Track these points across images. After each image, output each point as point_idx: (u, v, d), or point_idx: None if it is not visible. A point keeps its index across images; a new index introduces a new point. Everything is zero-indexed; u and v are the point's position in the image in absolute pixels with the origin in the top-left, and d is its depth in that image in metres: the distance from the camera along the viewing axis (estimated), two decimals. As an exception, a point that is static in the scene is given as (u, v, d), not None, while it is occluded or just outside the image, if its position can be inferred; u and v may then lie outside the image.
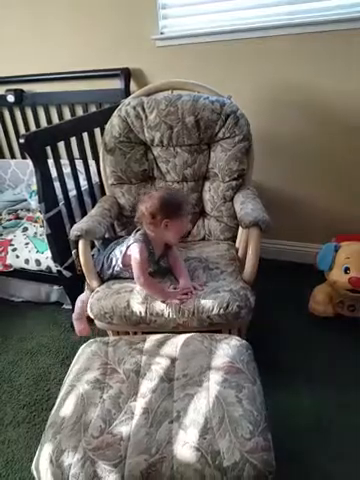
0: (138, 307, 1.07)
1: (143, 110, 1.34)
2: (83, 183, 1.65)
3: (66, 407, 0.80)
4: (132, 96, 1.44)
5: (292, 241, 1.91)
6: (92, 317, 1.17)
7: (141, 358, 0.90)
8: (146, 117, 1.34)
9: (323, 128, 1.64)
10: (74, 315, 1.37)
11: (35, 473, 0.71)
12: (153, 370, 0.87)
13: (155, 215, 1.09)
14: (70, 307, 1.67)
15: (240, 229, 1.33)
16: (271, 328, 1.50)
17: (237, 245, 1.38)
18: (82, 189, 1.62)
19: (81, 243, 1.17)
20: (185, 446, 0.70)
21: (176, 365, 0.87)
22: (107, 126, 1.40)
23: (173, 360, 0.89)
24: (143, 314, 1.07)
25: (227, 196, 1.37)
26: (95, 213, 1.31)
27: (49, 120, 2.15)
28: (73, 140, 1.52)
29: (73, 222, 1.50)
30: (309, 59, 1.55)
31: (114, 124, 1.37)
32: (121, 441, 0.72)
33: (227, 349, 0.90)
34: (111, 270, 1.22)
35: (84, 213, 1.54)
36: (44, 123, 2.17)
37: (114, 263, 1.20)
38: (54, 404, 0.85)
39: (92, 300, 1.14)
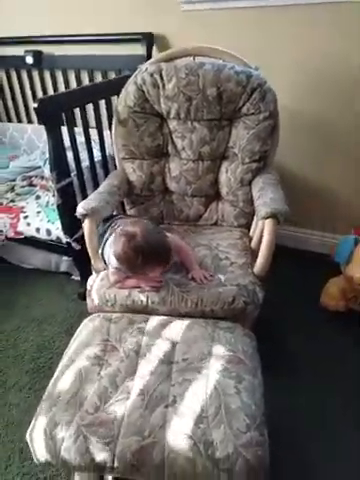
0: (139, 296, 1.03)
1: (161, 78, 1.23)
2: (97, 154, 1.61)
3: (64, 381, 0.80)
4: (150, 61, 1.32)
5: (310, 229, 1.84)
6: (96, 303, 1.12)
7: (142, 338, 0.89)
8: (164, 86, 1.24)
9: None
10: None
11: (29, 442, 0.72)
12: (153, 351, 0.85)
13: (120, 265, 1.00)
14: (79, 278, 1.67)
15: (256, 217, 1.24)
16: (279, 318, 1.46)
17: (251, 233, 1.30)
18: (95, 160, 1.58)
19: (87, 222, 1.11)
20: (178, 433, 0.69)
21: (177, 349, 0.86)
22: (121, 94, 1.31)
23: (174, 343, 0.87)
24: (144, 303, 1.02)
25: (245, 179, 1.28)
26: (104, 190, 1.24)
27: (67, 85, 2.08)
28: (90, 108, 1.46)
29: (85, 194, 1.48)
30: (356, 33, 1.40)
31: (129, 92, 1.28)
32: (115, 420, 0.71)
33: (230, 338, 0.87)
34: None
35: (96, 185, 1.51)
36: (62, 88, 2.11)
37: (107, 261, 1.15)
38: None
39: (96, 287, 1.10)
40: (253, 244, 1.23)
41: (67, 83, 2.07)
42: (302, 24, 1.47)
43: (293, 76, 1.56)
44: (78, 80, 2.02)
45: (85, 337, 0.91)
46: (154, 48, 1.78)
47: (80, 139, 1.45)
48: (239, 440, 0.67)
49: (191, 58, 1.31)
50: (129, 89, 1.29)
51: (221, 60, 1.27)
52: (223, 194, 1.36)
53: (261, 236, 1.08)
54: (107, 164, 1.65)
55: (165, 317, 0.96)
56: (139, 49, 1.74)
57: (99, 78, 1.96)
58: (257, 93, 1.19)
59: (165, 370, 0.81)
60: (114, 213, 1.35)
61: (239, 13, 1.55)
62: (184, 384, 0.77)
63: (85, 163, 1.53)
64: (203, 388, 0.76)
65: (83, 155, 1.49)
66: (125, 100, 1.30)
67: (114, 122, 1.36)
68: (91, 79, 1.99)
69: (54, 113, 1.27)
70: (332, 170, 1.67)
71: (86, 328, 0.95)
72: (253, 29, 1.55)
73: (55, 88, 2.13)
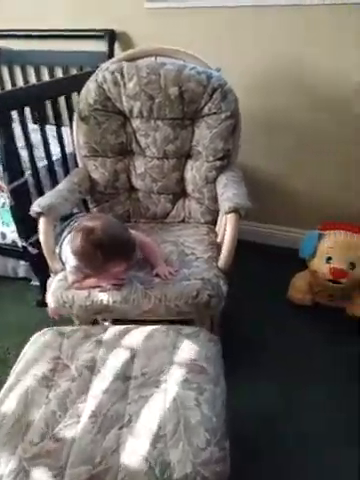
0: (99, 296, 0.99)
1: (122, 76, 1.21)
2: (56, 152, 1.52)
3: (6, 406, 0.72)
4: (112, 60, 1.31)
5: (278, 225, 1.84)
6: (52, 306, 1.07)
7: (98, 353, 0.82)
8: (125, 84, 1.21)
9: (318, 111, 1.54)
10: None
11: None
12: (109, 367, 0.79)
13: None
14: (38, 284, 1.58)
15: (221, 213, 1.24)
16: (246, 315, 1.45)
17: (217, 229, 1.30)
18: (54, 159, 1.50)
19: (42, 221, 1.05)
20: (133, 456, 0.63)
21: (135, 362, 0.80)
22: (82, 91, 1.27)
23: (132, 356, 0.81)
24: (105, 302, 0.98)
25: (210, 177, 1.28)
26: (63, 188, 1.19)
27: (26, 81, 1.98)
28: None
29: (42, 194, 1.39)
30: (314, 35, 1.42)
31: (90, 90, 1.24)
32: (63, 448, 0.64)
33: (193, 345, 0.83)
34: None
35: (55, 185, 1.43)
36: (21, 84, 2.00)
37: (64, 260, 1.09)
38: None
39: (53, 288, 1.05)
40: (219, 239, 1.23)
41: (26, 79, 1.98)
42: (267, 26, 1.47)
43: (255, 76, 1.56)
44: (38, 76, 1.94)
45: (33, 354, 0.84)
46: (116, 45, 1.73)
47: (37, 137, 1.37)
48: (198, 458, 0.63)
49: (153, 58, 1.29)
50: (90, 87, 1.26)
51: (182, 61, 1.25)
52: (189, 191, 1.35)
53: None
54: (67, 163, 1.57)
55: (124, 327, 0.89)
56: (101, 46, 1.70)
57: (60, 74, 1.89)
58: (218, 93, 1.18)
59: (121, 387, 0.75)
60: (75, 211, 1.29)
61: (202, 12, 1.53)
62: (141, 401, 0.72)
63: (43, 162, 1.45)
64: (162, 403, 0.71)
65: (42, 153, 1.41)
66: (86, 98, 1.26)
67: (75, 119, 1.32)
68: (52, 76, 1.92)
69: (4, 111, 1.19)
70: (297, 167, 1.69)
71: (35, 344, 0.87)
72: (217, 29, 1.54)
73: (13, 84, 2.02)
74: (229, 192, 1.12)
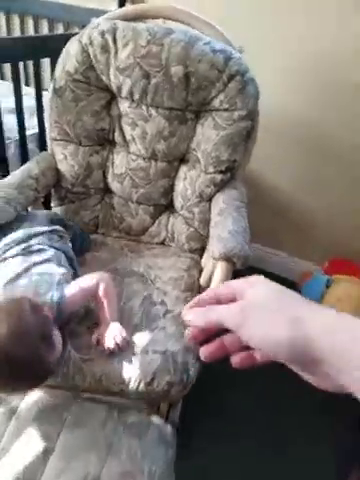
0: None
1: (114, 41, 0.90)
2: (33, 124, 1.26)
3: None
4: (105, 16, 0.98)
5: (281, 251, 1.56)
6: None
7: (4, 431, 0.58)
8: (116, 52, 0.90)
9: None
10: None
11: None
12: (10, 463, 0.55)
13: None
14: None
15: (209, 250, 0.95)
16: (222, 373, 1.16)
17: (203, 262, 1.02)
18: (28, 133, 1.23)
19: None
20: None
21: (49, 462, 0.56)
22: (62, 55, 0.97)
23: (47, 451, 0.57)
24: None
25: (205, 193, 0.99)
26: (14, 180, 0.91)
27: (23, 32, 1.70)
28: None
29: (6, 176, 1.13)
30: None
31: (70, 53, 0.94)
32: None
33: (135, 445, 0.58)
34: None
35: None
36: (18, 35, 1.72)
37: None
38: None
39: None
40: (202, 280, 0.94)
41: (23, 31, 1.70)
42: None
43: (292, 66, 1.24)
44: (36, 30, 1.66)
45: None
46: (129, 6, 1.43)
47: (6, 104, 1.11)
48: None
49: (160, 21, 0.98)
50: (71, 50, 0.94)
51: (197, 31, 0.95)
52: (177, 207, 1.06)
53: (212, 275, 0.79)
54: (45, 140, 1.29)
55: (48, 396, 0.64)
56: (112, 5, 1.39)
57: (61, 31, 1.62)
58: (235, 82, 0.87)
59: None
60: (29, 209, 1.01)
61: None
62: None
63: (12, 134, 1.19)
64: None
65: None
66: (65, 63, 0.96)
67: (50, 90, 1.02)
68: (51, 31, 1.66)
69: None
70: (318, 190, 1.40)
71: None
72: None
73: (9, 34, 1.75)
74: (224, 228, 0.83)
